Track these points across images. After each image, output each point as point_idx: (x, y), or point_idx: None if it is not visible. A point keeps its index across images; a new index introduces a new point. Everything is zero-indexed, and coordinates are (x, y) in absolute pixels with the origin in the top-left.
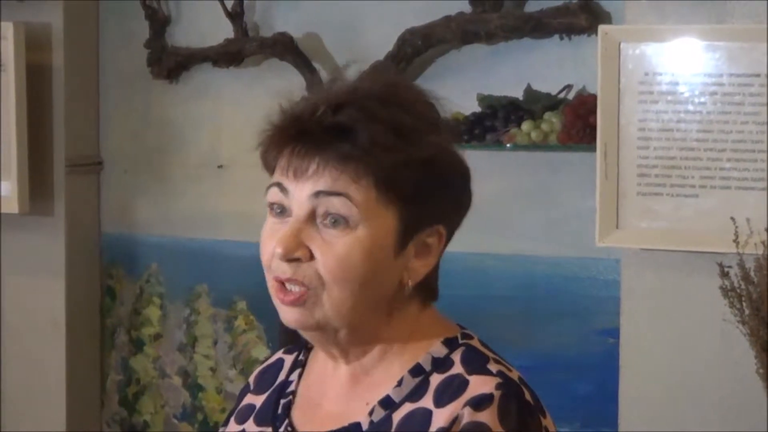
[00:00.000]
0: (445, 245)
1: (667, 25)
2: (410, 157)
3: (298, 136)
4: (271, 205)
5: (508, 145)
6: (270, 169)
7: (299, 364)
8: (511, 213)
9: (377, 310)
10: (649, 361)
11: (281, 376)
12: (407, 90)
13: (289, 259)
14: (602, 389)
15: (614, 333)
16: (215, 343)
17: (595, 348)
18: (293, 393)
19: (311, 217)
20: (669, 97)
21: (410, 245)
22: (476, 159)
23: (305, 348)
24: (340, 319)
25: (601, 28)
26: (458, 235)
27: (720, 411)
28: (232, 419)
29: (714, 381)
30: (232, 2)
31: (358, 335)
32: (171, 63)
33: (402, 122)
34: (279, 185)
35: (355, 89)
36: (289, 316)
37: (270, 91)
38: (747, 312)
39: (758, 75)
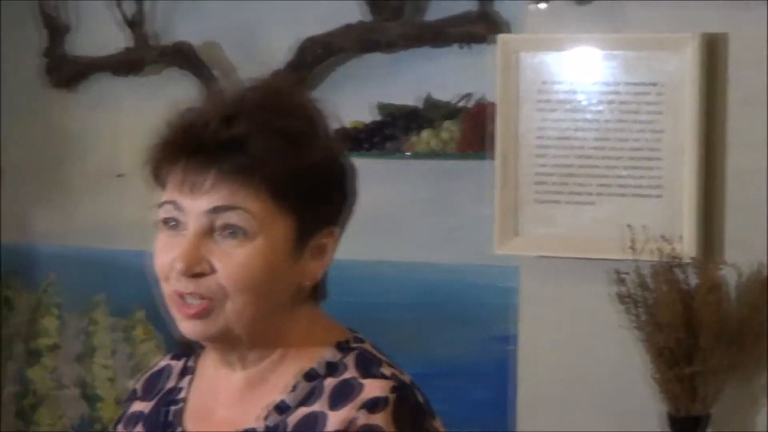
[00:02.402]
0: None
1: (565, 34)
2: (303, 163)
3: (191, 149)
4: (165, 220)
5: (407, 153)
6: (161, 183)
7: (189, 371)
8: (410, 221)
9: (277, 315)
10: (547, 368)
11: (169, 383)
12: (293, 96)
13: (191, 274)
14: (500, 396)
15: (512, 340)
16: (114, 353)
17: (493, 355)
18: (183, 400)
19: (209, 230)
20: (567, 106)
21: (307, 249)
22: (376, 167)
23: (194, 354)
24: (242, 326)
25: (500, 37)
26: (357, 243)
27: (616, 416)
28: (120, 426)
29: (610, 387)
30: (132, 10)
31: (258, 341)
32: (70, 71)
33: (292, 129)
34: (173, 203)
35: (242, 99)
36: (190, 328)
37: (170, 100)
38: (643, 318)
39: (654, 84)
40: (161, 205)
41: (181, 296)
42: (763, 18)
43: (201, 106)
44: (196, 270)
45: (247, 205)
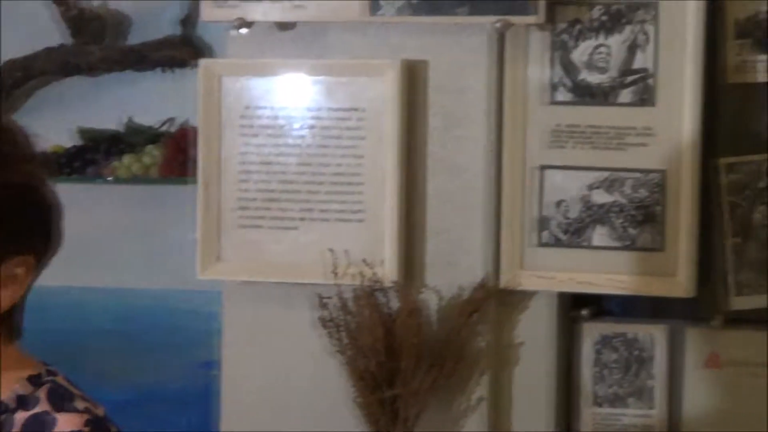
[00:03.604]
0: (34, 278)
1: (268, 59)
2: (2, 183)
3: None
4: None
5: (109, 178)
6: None
7: None
8: (112, 246)
9: None
10: (250, 393)
11: None
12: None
13: None
14: (204, 422)
15: (216, 365)
16: None
17: (197, 381)
18: None
19: None
20: (269, 131)
21: None
22: (77, 192)
23: None
24: None
25: (202, 61)
26: (58, 269)
27: None
28: None
29: (315, 411)
30: None
31: None
32: None
33: None
34: None
35: None
36: None
37: None
38: (345, 342)
39: (356, 109)
40: None
41: None
42: (461, 45)
43: None
44: None
45: None
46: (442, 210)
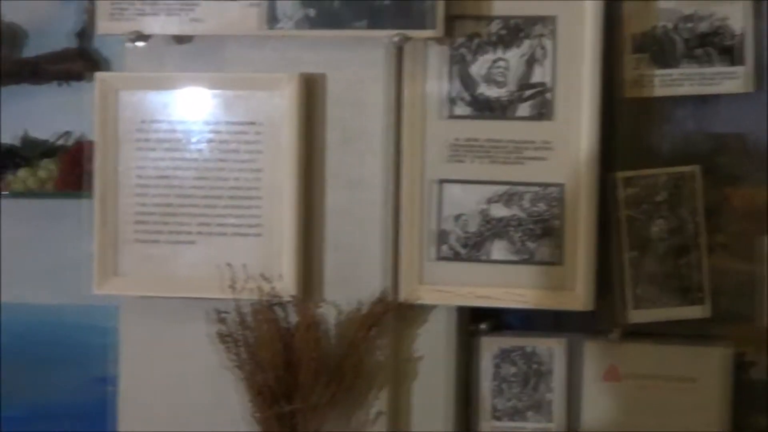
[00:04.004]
0: None
1: (165, 72)
2: None
3: None
4: None
5: (4, 192)
6: None
7: None
8: (7, 261)
9: None
10: (148, 409)
11: None
12: None
13: None
14: None
15: (113, 380)
16: None
17: (93, 396)
18: None
19: None
20: (166, 145)
21: None
22: None
23: None
24: None
25: (98, 75)
26: None
27: None
28: None
29: (212, 426)
30: None
31: None
32: None
33: None
34: None
35: None
36: None
37: None
38: (243, 357)
39: (254, 123)
40: None
41: None
42: (359, 59)
43: None
44: None
45: None
46: (340, 224)
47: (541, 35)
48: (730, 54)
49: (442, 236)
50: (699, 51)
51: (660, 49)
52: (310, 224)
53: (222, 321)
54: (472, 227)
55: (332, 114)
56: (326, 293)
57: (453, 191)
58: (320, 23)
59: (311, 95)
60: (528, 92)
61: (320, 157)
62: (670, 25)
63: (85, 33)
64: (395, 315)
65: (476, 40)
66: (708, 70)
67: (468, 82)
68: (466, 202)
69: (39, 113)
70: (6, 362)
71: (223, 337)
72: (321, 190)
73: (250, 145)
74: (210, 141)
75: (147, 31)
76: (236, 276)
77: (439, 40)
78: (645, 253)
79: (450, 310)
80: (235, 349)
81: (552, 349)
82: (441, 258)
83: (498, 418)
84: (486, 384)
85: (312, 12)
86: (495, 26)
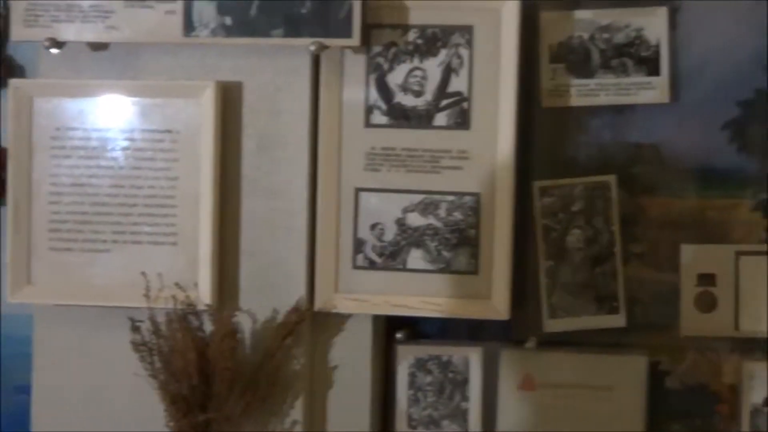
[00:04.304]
0: None
1: (81, 80)
2: None
3: None
4: None
5: None
6: None
7: None
8: None
9: None
10: (63, 418)
11: None
12: None
13: None
14: None
15: (27, 390)
16: None
17: (8, 406)
18: None
19: None
20: (81, 152)
21: None
22: None
23: None
24: None
25: (12, 82)
26: None
27: None
28: None
29: None
30: None
31: None
32: None
33: None
34: None
35: None
36: None
37: None
38: (158, 365)
39: (170, 131)
40: None
41: None
42: (276, 67)
43: None
44: None
45: None
46: (257, 232)
47: (458, 45)
48: (646, 65)
49: (358, 245)
50: (615, 61)
51: (577, 60)
52: (226, 233)
53: (136, 330)
54: (389, 236)
55: (249, 122)
56: (242, 302)
57: (370, 200)
58: (237, 31)
59: (228, 103)
60: (445, 102)
61: (236, 166)
62: (586, 36)
63: None
64: (311, 324)
65: (393, 49)
66: (624, 80)
67: (385, 91)
68: (382, 211)
69: None
70: None
71: (137, 347)
72: (237, 198)
73: (166, 153)
74: (126, 149)
75: (62, 37)
76: (151, 284)
77: (356, 49)
78: (561, 262)
79: (366, 319)
80: (150, 358)
81: (468, 358)
82: (357, 267)
83: (414, 427)
84: (402, 393)
85: (228, 20)
86: (412, 35)
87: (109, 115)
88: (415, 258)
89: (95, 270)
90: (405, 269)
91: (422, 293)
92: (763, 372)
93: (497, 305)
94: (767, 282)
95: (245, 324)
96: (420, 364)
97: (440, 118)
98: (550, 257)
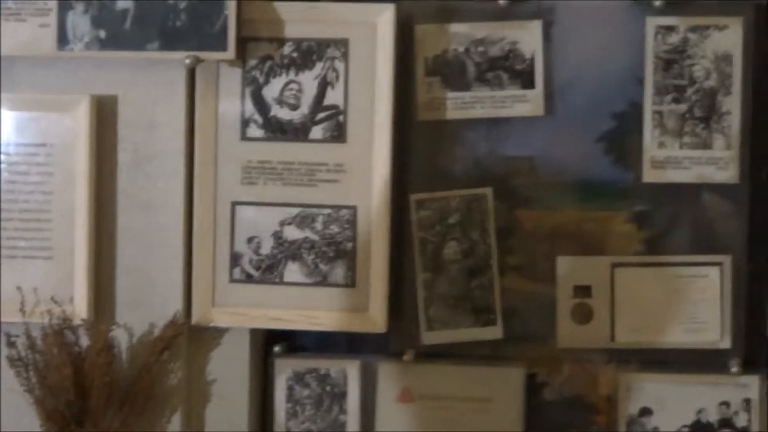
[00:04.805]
0: None
1: None
2: None
3: None
4: None
5: None
6: None
7: None
8: None
9: None
10: None
11: None
12: None
13: None
14: None
15: None
16: None
17: None
18: None
19: None
20: None
21: None
22: None
23: None
24: None
25: None
26: None
27: None
28: None
29: None
30: None
31: None
32: None
33: None
34: None
35: None
36: None
37: None
38: (34, 381)
39: (44, 144)
40: None
41: None
42: (152, 80)
43: None
44: None
45: None
46: (133, 246)
47: (334, 58)
48: (521, 78)
49: (235, 258)
50: (491, 74)
51: (452, 73)
52: (102, 247)
53: (12, 345)
54: (266, 249)
55: (124, 135)
56: (118, 316)
57: (246, 213)
58: (111, 45)
59: (103, 117)
60: (321, 115)
61: (112, 180)
62: (462, 49)
63: None
64: (188, 338)
65: (269, 63)
66: (499, 93)
67: (261, 104)
68: (259, 224)
69: None
70: None
71: (13, 362)
72: (113, 212)
73: (41, 167)
74: None
75: None
76: (26, 299)
77: (231, 63)
78: (438, 274)
79: (243, 333)
80: (26, 374)
81: (346, 370)
82: (234, 280)
83: None
84: (280, 406)
85: (103, 33)
86: (287, 48)
87: None
88: (293, 271)
89: None
90: (282, 282)
91: (300, 306)
92: (639, 383)
93: (375, 318)
94: (642, 293)
95: (122, 338)
96: (298, 378)
97: (316, 132)
98: (427, 270)
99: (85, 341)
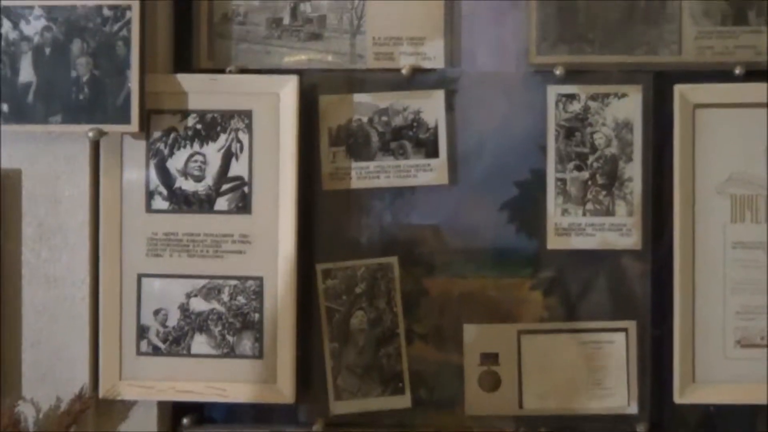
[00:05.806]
0: None
1: None
2: None
3: None
4: None
5: None
6: None
7: None
8: None
9: None
10: None
11: None
12: None
13: None
14: None
15: None
16: None
17: None
18: None
19: None
20: None
21: None
22: None
23: None
24: None
25: None
26: None
27: None
28: None
29: None
30: None
31: None
32: None
33: None
34: None
35: None
36: None
37: None
38: None
39: None
40: None
41: None
42: (55, 154)
43: None
44: None
45: None
46: (39, 321)
47: (238, 129)
48: (425, 147)
49: (141, 331)
50: (395, 144)
51: (356, 143)
52: (6, 322)
53: None
54: (172, 321)
55: (28, 209)
56: (25, 391)
57: (152, 285)
58: (14, 118)
59: (7, 191)
60: (226, 186)
61: (17, 254)
62: (365, 119)
63: None
64: (96, 411)
65: (173, 134)
66: (404, 162)
67: (166, 176)
68: (165, 296)
69: None
70: None
71: None
72: (17, 286)
73: None
74: None
75: None
76: None
77: (135, 135)
78: (345, 344)
79: (151, 406)
80: None
81: None
82: (141, 353)
83: None
84: None
85: (5, 107)
86: (191, 120)
87: None
88: (200, 343)
89: None
90: (189, 354)
91: (207, 378)
92: None
93: (282, 389)
94: (549, 360)
95: (29, 413)
96: None
97: (221, 203)
98: (335, 339)
99: None
